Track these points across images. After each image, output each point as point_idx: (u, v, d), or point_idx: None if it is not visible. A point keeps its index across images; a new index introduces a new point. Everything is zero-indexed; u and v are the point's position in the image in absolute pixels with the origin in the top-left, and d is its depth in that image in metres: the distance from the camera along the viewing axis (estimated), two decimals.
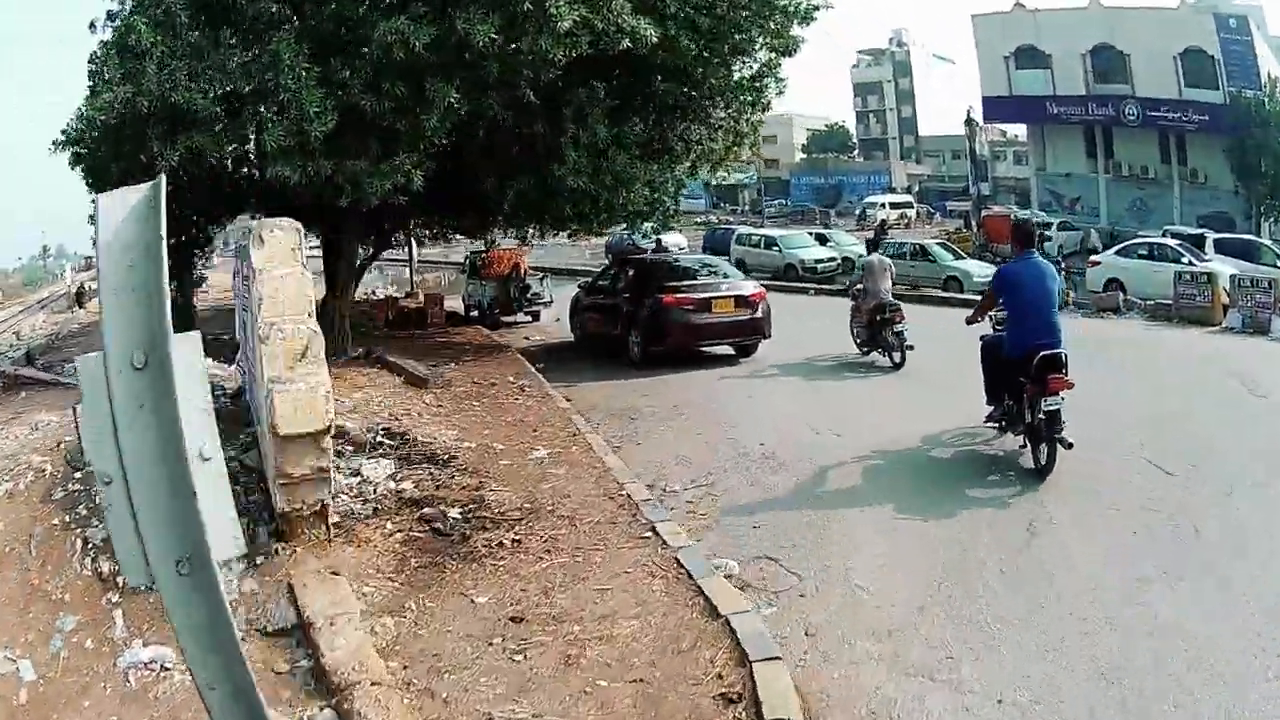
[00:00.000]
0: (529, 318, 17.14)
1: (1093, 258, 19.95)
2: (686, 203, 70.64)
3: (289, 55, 7.76)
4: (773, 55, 11.10)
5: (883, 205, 48.29)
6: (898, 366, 10.07)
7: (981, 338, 6.95)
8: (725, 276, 12.13)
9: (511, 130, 9.71)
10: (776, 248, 25.22)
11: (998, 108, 37.65)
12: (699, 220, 49.79)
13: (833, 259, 24.57)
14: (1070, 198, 38.11)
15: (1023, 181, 57.96)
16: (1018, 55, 36.80)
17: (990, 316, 7.08)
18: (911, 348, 10.04)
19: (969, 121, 26.40)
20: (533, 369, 10.53)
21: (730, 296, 11.16)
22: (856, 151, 74.77)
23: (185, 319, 9.63)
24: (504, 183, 10.30)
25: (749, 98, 11.38)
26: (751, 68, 11.27)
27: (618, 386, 9.96)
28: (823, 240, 27.46)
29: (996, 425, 6.65)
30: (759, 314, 11.19)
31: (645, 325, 10.99)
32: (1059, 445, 5.77)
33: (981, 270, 20.49)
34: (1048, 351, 5.86)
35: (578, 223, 12.40)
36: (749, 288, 11.55)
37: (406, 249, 27.58)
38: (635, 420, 8.32)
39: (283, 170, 8.12)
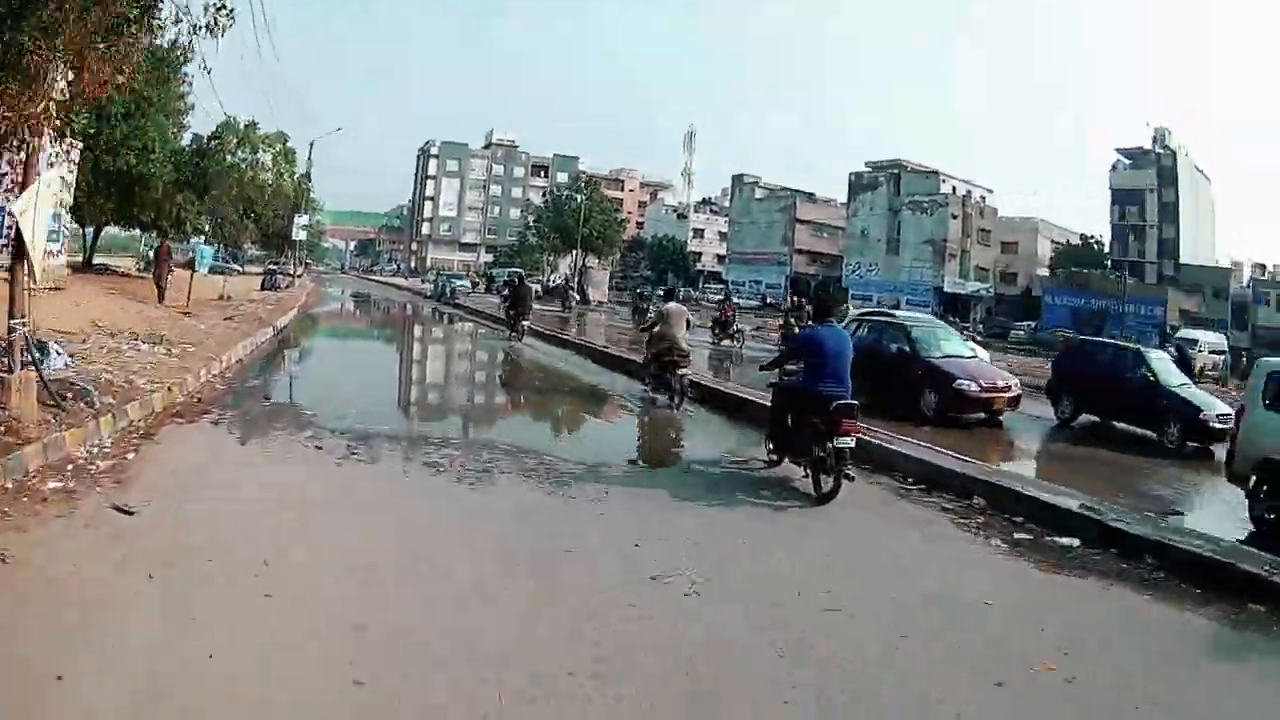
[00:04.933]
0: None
1: None
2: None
3: None
4: None
5: (1199, 347, 31.98)
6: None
7: (771, 385, 8.42)
8: None
9: None
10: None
11: None
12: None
13: None
14: None
15: None
16: None
17: (781, 369, 8.33)
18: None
19: None
20: None
21: None
22: (1114, 273, 63.36)
23: None
24: None
25: None
26: None
27: None
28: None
29: (770, 459, 7.82)
30: None
31: None
32: (844, 478, 6.69)
33: None
34: (842, 401, 6.91)
35: None
36: None
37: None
38: None
39: None
